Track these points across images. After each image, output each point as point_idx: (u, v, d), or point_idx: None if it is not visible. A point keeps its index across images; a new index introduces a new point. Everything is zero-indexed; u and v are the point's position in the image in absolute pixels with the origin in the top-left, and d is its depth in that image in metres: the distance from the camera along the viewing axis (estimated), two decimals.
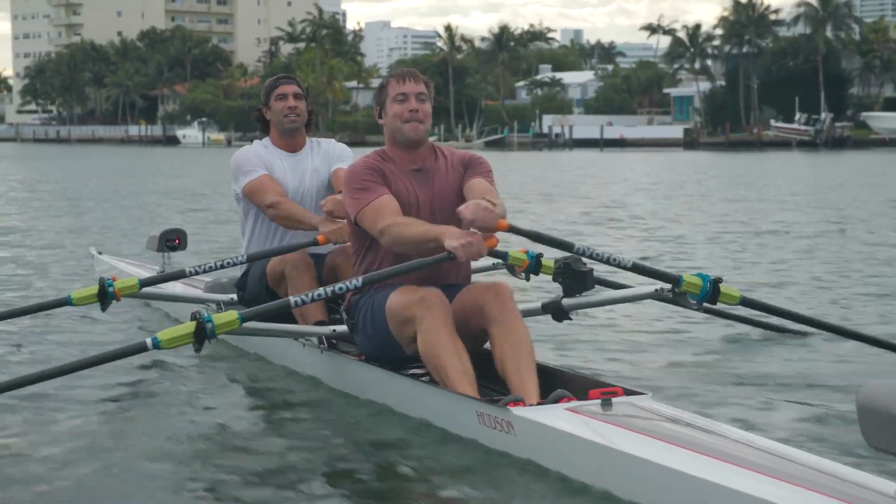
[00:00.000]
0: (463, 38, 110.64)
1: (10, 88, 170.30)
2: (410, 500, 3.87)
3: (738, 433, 3.87)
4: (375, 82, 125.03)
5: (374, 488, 4.00)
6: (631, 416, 3.98)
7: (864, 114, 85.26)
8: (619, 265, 4.78)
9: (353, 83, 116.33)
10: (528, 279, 5.50)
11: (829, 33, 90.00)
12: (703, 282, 4.67)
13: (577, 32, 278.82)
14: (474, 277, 5.17)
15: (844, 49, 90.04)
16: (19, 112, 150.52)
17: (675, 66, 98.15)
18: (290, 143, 6.17)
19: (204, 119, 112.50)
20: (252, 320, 4.60)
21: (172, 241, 7.06)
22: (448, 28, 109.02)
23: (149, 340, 4.42)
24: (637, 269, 4.82)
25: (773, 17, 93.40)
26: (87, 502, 3.91)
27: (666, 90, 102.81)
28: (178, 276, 6.07)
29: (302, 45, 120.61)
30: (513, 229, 4.50)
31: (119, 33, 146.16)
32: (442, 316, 4.54)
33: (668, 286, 4.76)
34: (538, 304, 5.22)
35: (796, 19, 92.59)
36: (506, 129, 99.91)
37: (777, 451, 3.62)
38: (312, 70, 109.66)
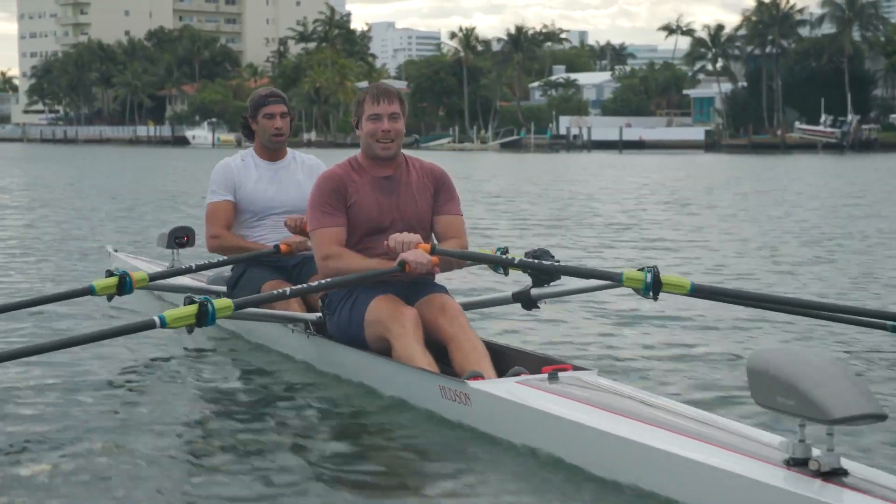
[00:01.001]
0: (478, 39, 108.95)
1: (15, 89, 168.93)
2: (380, 464, 4.37)
3: (664, 401, 4.41)
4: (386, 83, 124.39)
5: (347, 455, 4.46)
6: (574, 389, 4.49)
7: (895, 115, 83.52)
8: (567, 272, 5.41)
9: (364, 83, 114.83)
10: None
11: (855, 33, 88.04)
12: (644, 275, 5.04)
13: (583, 34, 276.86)
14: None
15: (870, 50, 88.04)
16: (25, 112, 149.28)
17: (697, 66, 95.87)
18: (272, 154, 6.58)
19: (214, 119, 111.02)
20: (245, 307, 5.13)
21: (181, 238, 7.51)
22: (462, 29, 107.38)
23: (156, 318, 4.78)
24: (582, 273, 5.38)
25: (797, 16, 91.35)
26: (67, 476, 4.19)
27: (686, 91, 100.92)
28: (179, 272, 6.60)
29: (311, 44, 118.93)
30: (434, 251, 5.19)
31: (127, 33, 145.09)
32: (415, 334, 5.05)
33: (617, 274, 5.22)
34: (509, 294, 5.95)
35: (821, 19, 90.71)
36: (522, 130, 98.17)
37: (691, 415, 4.16)
38: (324, 70, 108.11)
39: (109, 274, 6.11)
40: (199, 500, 3.97)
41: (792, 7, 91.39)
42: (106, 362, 6.03)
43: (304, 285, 5.33)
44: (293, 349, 6.08)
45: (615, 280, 5.10)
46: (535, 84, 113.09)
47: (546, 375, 4.60)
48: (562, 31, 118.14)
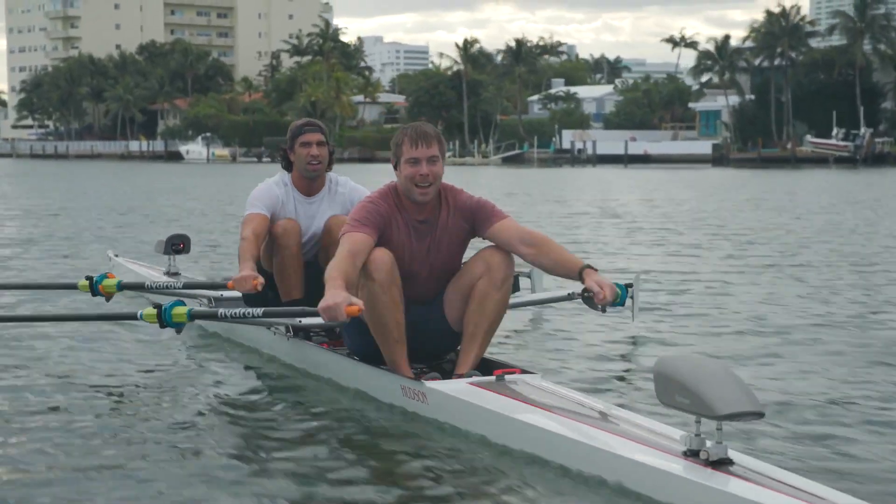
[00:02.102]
0: (481, 52, 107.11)
1: (4, 104, 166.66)
2: (346, 455, 4.76)
3: (591, 401, 4.98)
4: (382, 97, 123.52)
5: (315, 447, 4.85)
6: (518, 390, 5.05)
7: None
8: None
9: (359, 97, 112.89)
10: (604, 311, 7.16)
11: (866, 45, 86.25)
12: (622, 291, 6.57)
13: (570, 48, 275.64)
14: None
15: (881, 61, 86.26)
16: (14, 127, 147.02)
17: (704, 79, 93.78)
18: (309, 185, 6.68)
19: (208, 134, 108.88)
20: (200, 318, 5.81)
21: (178, 244, 7.94)
22: (465, 42, 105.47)
23: (138, 312, 5.70)
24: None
25: (807, 28, 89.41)
26: (44, 476, 4.44)
27: (691, 105, 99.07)
28: (137, 287, 7.29)
29: (304, 58, 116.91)
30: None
31: (117, 47, 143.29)
32: (383, 280, 5.21)
33: (577, 291, 6.49)
34: None
35: (831, 30, 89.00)
36: (525, 144, 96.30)
37: (612, 413, 4.72)
38: (320, 84, 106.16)
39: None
40: (160, 495, 4.20)
41: (802, 18, 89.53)
42: (89, 360, 6.56)
43: (244, 311, 5.62)
44: (274, 350, 6.57)
45: (565, 297, 6.56)
46: (535, 97, 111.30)
47: (494, 378, 5.16)
48: (560, 43, 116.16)
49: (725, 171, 65.03)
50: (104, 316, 6.38)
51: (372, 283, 5.18)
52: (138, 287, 7.22)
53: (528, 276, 7.94)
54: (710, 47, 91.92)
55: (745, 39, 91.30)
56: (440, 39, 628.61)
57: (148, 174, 57.39)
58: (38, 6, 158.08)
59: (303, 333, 6.24)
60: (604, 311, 7.04)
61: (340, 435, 5.03)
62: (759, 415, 3.85)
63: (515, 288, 6.58)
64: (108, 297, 6.83)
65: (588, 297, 6.03)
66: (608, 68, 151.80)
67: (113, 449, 4.76)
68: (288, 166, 6.69)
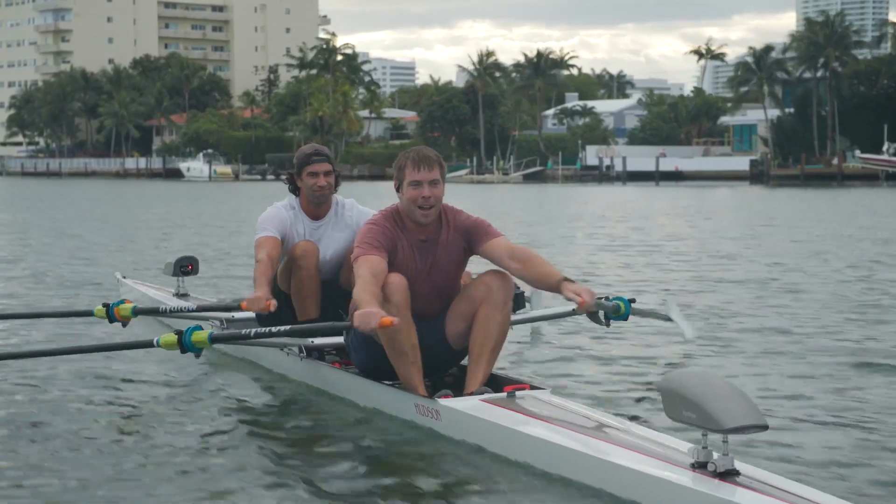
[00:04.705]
0: (497, 66, 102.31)
1: None
2: (362, 472, 4.85)
3: (600, 415, 5.07)
4: (388, 112, 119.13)
5: (332, 464, 4.94)
6: (528, 406, 5.16)
7: None
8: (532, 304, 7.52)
9: (365, 112, 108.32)
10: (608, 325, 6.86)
11: None
12: (625, 305, 6.55)
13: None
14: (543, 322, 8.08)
15: None
16: (3, 144, 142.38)
17: (743, 90, 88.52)
18: (316, 210, 6.87)
19: (209, 151, 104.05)
20: (219, 341, 5.76)
21: (186, 266, 8.20)
22: (480, 55, 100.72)
23: (155, 339, 5.66)
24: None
25: (853, 37, 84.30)
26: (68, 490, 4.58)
27: (723, 119, 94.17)
28: (152, 312, 7.44)
29: (305, 72, 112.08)
30: None
31: (110, 61, 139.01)
32: (400, 303, 5.38)
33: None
34: None
35: (879, 39, 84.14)
36: (549, 161, 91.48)
37: (619, 426, 4.85)
38: (327, 98, 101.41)
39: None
40: None
41: (848, 27, 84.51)
42: (105, 381, 6.65)
43: (271, 329, 5.68)
44: (288, 370, 6.66)
45: (570, 312, 7.00)
46: (550, 112, 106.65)
47: (505, 394, 5.30)
48: (571, 56, 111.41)
49: (768, 190, 60.63)
50: (121, 345, 6.21)
51: (388, 306, 5.32)
52: (153, 312, 7.38)
53: (528, 299, 7.87)
54: (750, 58, 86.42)
55: (785, 50, 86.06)
56: (418, 56, 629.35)
57: (149, 194, 52.76)
58: (28, 19, 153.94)
59: (316, 353, 6.38)
60: (608, 325, 6.77)
61: (355, 453, 5.12)
62: (763, 427, 4.00)
63: (521, 305, 6.85)
64: (125, 322, 6.95)
65: (592, 313, 6.36)
66: (618, 84, 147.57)
67: (129, 467, 4.87)
68: (295, 190, 6.87)
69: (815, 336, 8.36)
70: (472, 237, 5.64)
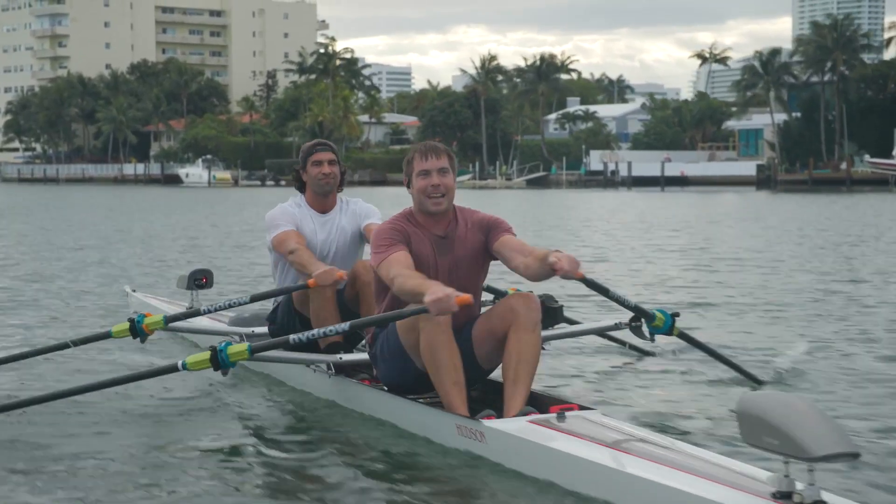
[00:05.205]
0: (500, 70, 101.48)
1: None
2: (403, 497, 4.55)
3: (663, 438, 4.74)
4: (388, 117, 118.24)
5: (368, 489, 4.69)
6: (581, 427, 4.80)
7: None
8: (616, 299, 6.10)
9: (364, 118, 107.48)
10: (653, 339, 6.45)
11: None
12: (665, 317, 6.17)
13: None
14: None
15: None
16: (0, 150, 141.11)
17: (750, 94, 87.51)
18: (322, 202, 6.83)
19: (209, 157, 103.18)
20: (260, 351, 5.47)
21: (200, 279, 7.89)
22: (483, 60, 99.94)
23: (179, 363, 5.37)
24: (620, 301, 6.11)
25: (861, 40, 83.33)
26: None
27: (728, 123, 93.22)
28: (195, 314, 7.00)
29: (303, 77, 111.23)
30: (585, 280, 5.73)
31: (108, 66, 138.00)
32: (442, 321, 5.16)
33: (624, 320, 6.29)
34: None
35: (888, 42, 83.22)
36: (553, 166, 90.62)
37: (687, 451, 4.52)
38: (327, 103, 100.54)
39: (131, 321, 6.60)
40: None
41: (855, 30, 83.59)
42: (133, 402, 6.28)
43: (323, 330, 5.48)
44: (315, 388, 6.36)
45: (612, 326, 6.24)
46: (552, 116, 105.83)
47: (555, 415, 4.93)
48: (572, 60, 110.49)
49: (776, 196, 59.96)
50: (143, 375, 5.67)
51: (428, 324, 5.17)
52: (184, 317, 7.01)
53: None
54: (756, 62, 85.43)
55: (792, 54, 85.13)
56: (413, 62, 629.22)
57: (152, 201, 51.86)
58: (25, 24, 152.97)
59: (344, 371, 6.23)
60: (652, 339, 6.42)
61: (391, 477, 4.85)
62: (855, 456, 3.70)
63: (558, 319, 6.21)
64: (144, 338, 6.74)
65: (636, 327, 6.23)
66: (618, 88, 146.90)
67: (157, 483, 4.75)
68: (301, 187, 6.86)
69: None
70: (491, 230, 5.55)
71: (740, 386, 6.73)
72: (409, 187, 5.54)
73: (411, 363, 5.42)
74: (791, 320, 9.77)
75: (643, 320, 6.21)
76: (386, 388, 5.65)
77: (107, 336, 6.66)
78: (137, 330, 6.59)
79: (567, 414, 4.93)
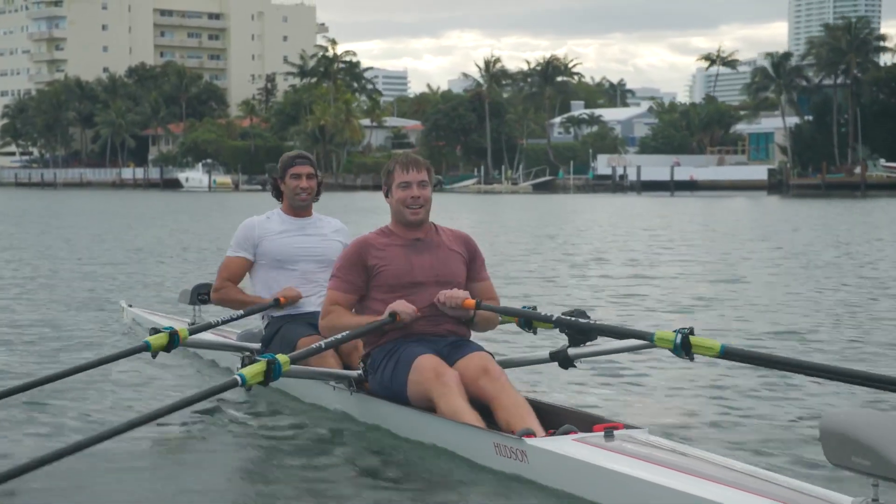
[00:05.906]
0: (505, 73, 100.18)
1: None
2: None
3: (720, 458, 4.44)
4: (390, 121, 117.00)
5: None
6: (630, 446, 4.53)
7: None
8: (603, 331, 5.51)
9: (366, 121, 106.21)
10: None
11: None
12: (674, 336, 5.03)
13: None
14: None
15: None
16: None
17: (762, 95, 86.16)
18: (299, 213, 6.86)
19: (209, 161, 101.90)
20: (297, 362, 5.36)
21: (203, 294, 7.65)
22: (487, 62, 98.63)
23: (238, 377, 5.04)
24: (617, 333, 5.48)
25: (875, 43, 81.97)
26: None
27: (738, 127, 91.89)
28: (207, 326, 6.88)
29: (303, 80, 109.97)
30: (479, 306, 5.54)
31: (105, 69, 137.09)
32: (458, 391, 5.17)
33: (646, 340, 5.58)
34: (546, 353, 5.83)
35: None
36: (560, 170, 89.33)
37: (751, 472, 4.21)
38: (328, 107, 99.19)
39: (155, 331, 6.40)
40: None
41: (870, 33, 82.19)
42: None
43: (338, 336, 5.48)
44: (336, 406, 6.15)
45: (647, 340, 5.22)
46: (556, 120, 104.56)
47: (602, 433, 4.67)
48: (575, 63, 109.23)
49: (790, 201, 58.65)
50: (207, 394, 5.16)
51: (442, 389, 5.18)
52: (201, 330, 6.81)
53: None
54: (768, 65, 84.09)
55: (804, 56, 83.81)
56: (408, 66, 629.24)
57: (154, 208, 50.53)
58: (22, 27, 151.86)
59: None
60: (691, 359, 5.07)
61: (426, 496, 4.66)
62: None
63: (591, 336, 5.65)
64: (156, 353, 6.48)
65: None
66: (620, 93, 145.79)
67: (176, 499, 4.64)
68: (278, 196, 6.87)
69: None
70: (471, 254, 5.69)
71: (794, 400, 6.44)
72: (387, 196, 5.62)
73: (406, 397, 5.43)
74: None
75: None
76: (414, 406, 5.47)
77: (145, 349, 6.32)
78: (174, 342, 6.37)
79: (615, 433, 4.70)
